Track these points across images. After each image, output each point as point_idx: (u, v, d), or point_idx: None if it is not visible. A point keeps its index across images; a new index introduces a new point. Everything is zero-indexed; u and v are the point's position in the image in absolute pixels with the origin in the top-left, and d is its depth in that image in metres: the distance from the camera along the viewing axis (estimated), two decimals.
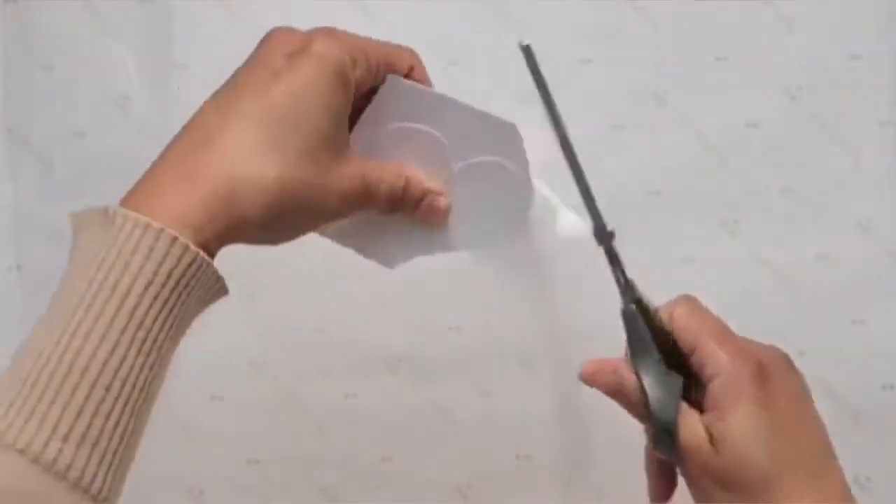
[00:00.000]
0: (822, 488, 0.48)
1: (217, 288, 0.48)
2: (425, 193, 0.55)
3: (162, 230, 0.44)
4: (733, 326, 0.52)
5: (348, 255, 0.75)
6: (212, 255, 0.47)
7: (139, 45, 0.79)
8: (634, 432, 0.55)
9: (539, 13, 0.76)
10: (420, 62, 0.56)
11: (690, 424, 0.50)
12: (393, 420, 0.77)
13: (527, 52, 0.53)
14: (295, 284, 0.77)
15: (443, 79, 0.70)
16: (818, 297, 0.76)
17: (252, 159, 0.47)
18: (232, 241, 0.48)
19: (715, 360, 0.50)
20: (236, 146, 0.47)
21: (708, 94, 0.76)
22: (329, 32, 0.51)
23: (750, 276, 0.76)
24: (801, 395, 0.51)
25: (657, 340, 0.52)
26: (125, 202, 0.46)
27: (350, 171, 0.51)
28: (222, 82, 0.51)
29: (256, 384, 0.78)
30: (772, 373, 0.50)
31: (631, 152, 0.76)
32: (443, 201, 0.56)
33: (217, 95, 0.50)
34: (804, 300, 0.76)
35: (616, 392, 0.52)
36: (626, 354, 0.53)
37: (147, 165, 0.48)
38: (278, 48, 0.50)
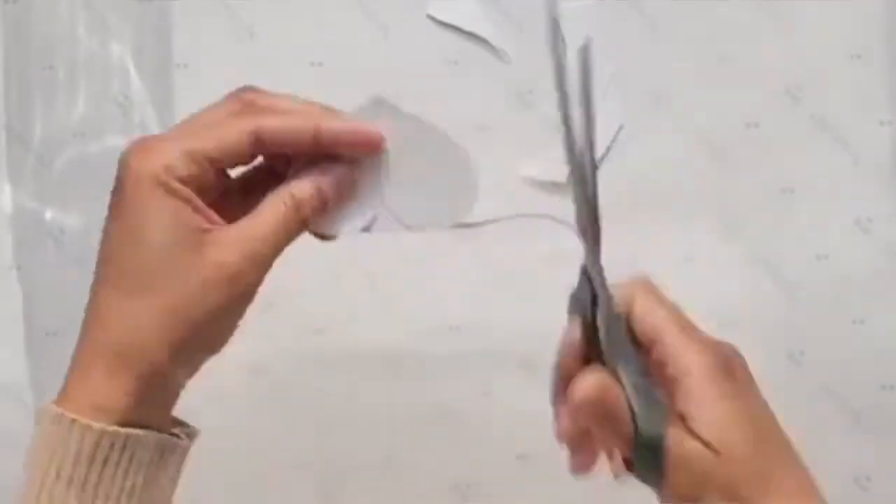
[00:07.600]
0: (800, 480, 0.46)
1: (167, 444, 0.51)
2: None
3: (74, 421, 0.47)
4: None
5: (349, 256, 0.75)
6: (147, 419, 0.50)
7: (139, 45, 0.79)
8: None
9: (538, 13, 0.76)
10: (331, 118, 0.50)
11: (680, 436, 0.45)
12: (393, 420, 0.77)
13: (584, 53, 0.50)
14: (295, 285, 0.77)
15: (443, 78, 0.70)
16: (818, 297, 0.76)
17: (126, 321, 0.49)
18: (163, 397, 0.53)
19: (681, 358, 0.46)
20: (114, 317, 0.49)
21: (708, 94, 0.76)
22: (139, 145, 0.51)
23: (750, 276, 0.76)
24: (758, 388, 0.48)
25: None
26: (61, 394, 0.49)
27: (227, 244, 0.50)
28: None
29: (256, 384, 0.78)
30: (735, 366, 0.47)
31: (631, 152, 0.76)
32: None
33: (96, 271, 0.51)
34: (804, 300, 0.76)
35: (607, 412, 0.47)
36: (602, 361, 0.48)
37: None
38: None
